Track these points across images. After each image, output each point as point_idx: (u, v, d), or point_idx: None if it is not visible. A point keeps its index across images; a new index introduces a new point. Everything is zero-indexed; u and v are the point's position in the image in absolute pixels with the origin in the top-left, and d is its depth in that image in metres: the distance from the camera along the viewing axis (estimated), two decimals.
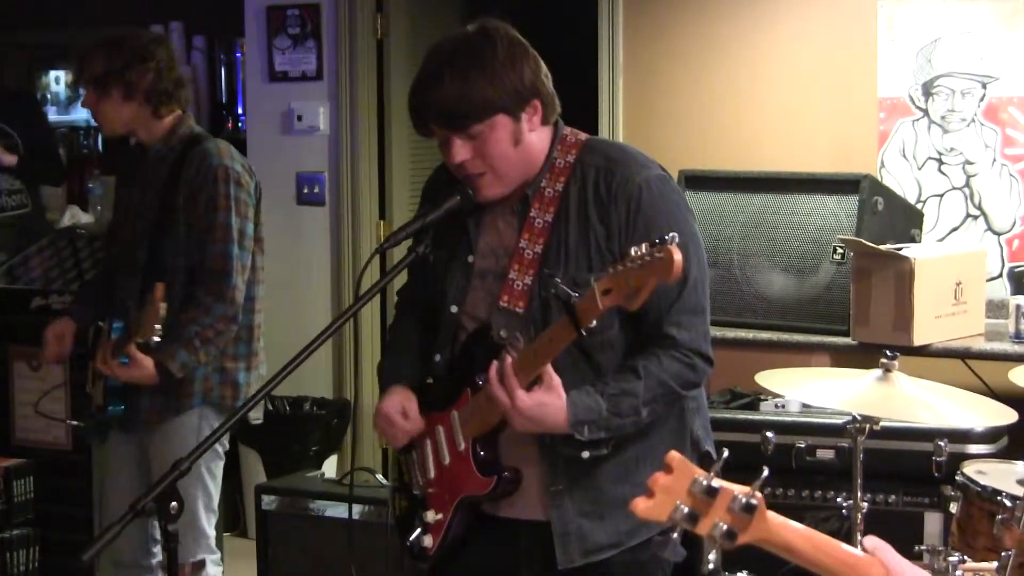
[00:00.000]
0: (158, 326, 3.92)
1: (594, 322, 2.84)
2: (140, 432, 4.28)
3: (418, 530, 3.22)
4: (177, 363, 4.09)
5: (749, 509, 2.09)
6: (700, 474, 2.10)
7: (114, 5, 7.59)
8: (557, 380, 2.94)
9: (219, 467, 4.39)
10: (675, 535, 2.14)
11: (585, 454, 3.05)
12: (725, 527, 2.11)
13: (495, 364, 2.96)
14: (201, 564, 4.29)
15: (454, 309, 3.19)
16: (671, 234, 2.69)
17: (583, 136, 3.16)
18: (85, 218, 7.24)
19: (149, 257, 4.20)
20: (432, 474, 3.22)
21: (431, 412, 3.23)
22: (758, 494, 2.09)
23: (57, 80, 8.42)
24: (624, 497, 3.09)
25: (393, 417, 3.20)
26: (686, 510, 2.11)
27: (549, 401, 2.94)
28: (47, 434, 5.46)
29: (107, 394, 4.22)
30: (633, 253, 2.73)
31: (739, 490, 2.11)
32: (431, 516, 3.20)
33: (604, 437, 3.03)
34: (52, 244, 6.01)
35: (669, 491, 2.12)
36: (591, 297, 2.80)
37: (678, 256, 2.66)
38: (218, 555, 4.42)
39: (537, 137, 3.09)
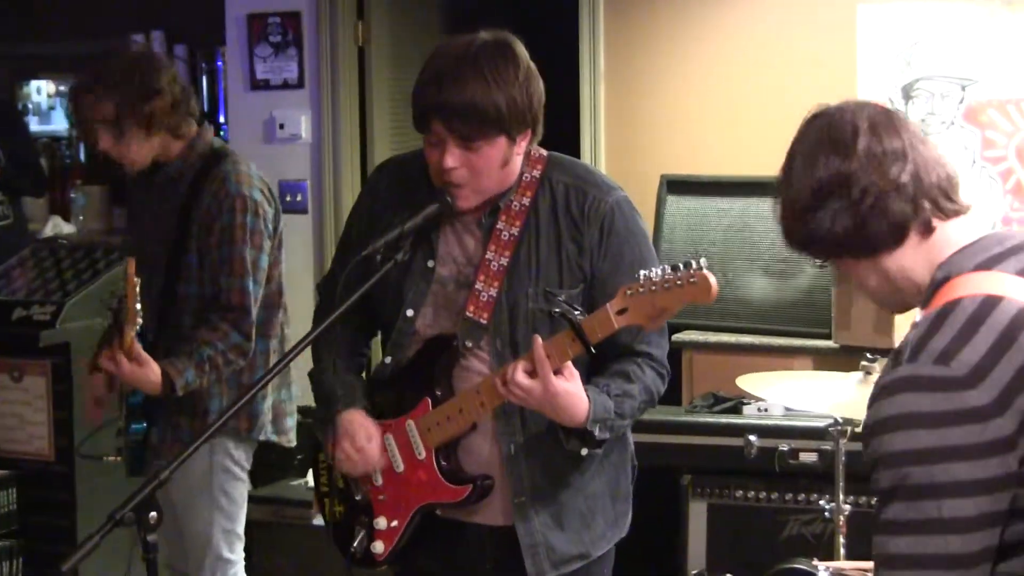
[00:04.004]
0: (138, 306, 3.77)
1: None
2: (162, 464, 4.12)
3: (361, 535, 3.22)
4: (183, 380, 3.92)
5: None
6: None
7: (96, 16, 7.58)
8: (577, 374, 2.96)
9: (239, 491, 4.23)
10: None
11: (584, 451, 3.09)
12: None
13: (537, 342, 2.92)
14: None
15: (410, 313, 3.18)
16: (701, 259, 2.80)
17: (543, 151, 3.19)
18: (67, 228, 7.23)
19: (165, 284, 4.08)
20: (380, 481, 3.21)
21: (378, 419, 3.23)
22: None
23: (39, 90, 8.38)
24: (579, 509, 3.16)
25: (361, 444, 3.17)
26: None
27: (575, 391, 2.95)
28: (29, 445, 5.44)
29: (128, 413, 4.09)
30: (652, 276, 2.82)
31: None
32: (383, 523, 3.21)
33: (606, 437, 3.06)
34: (34, 255, 5.97)
35: None
36: (603, 316, 2.89)
37: (714, 280, 2.78)
38: None
39: (518, 159, 3.11)
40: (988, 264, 2.07)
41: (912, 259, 2.14)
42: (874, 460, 2.02)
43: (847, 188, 2.13)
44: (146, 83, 4.02)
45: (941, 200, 2.15)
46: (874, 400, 2.03)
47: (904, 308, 2.21)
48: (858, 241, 2.14)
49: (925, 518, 1.95)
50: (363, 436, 3.17)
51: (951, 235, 2.15)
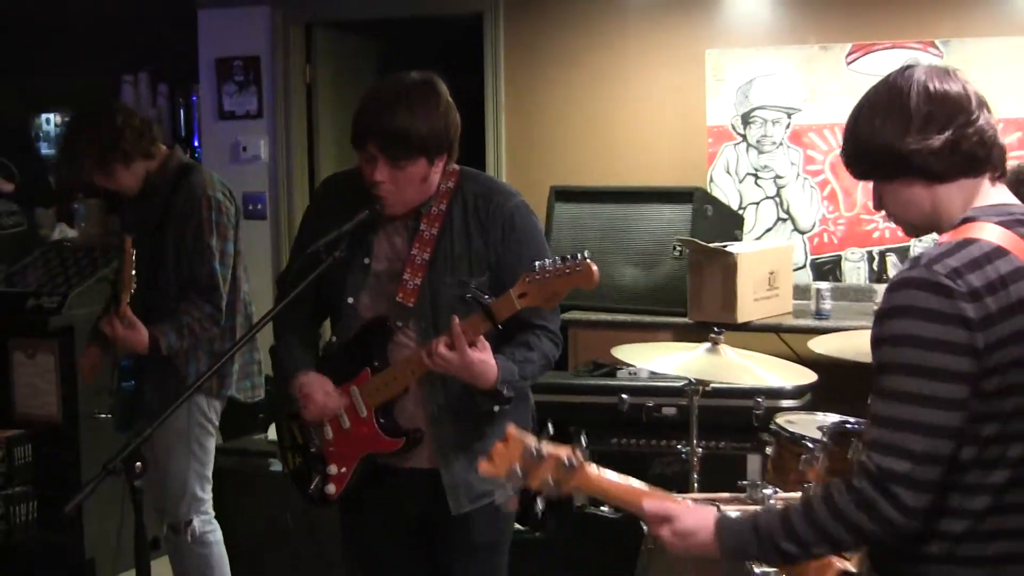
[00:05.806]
0: (133, 272, 3.79)
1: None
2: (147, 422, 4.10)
3: (316, 480, 3.22)
4: (167, 342, 3.96)
5: (571, 467, 2.34)
6: (531, 443, 2.35)
7: (95, 59, 7.46)
8: (488, 345, 2.97)
9: (209, 441, 4.24)
10: (508, 486, 2.37)
11: (496, 408, 3.07)
12: (551, 480, 2.35)
13: (455, 321, 2.92)
14: (188, 523, 4.21)
15: (350, 300, 3.17)
16: (585, 252, 2.82)
17: (456, 166, 3.18)
18: (71, 233, 7.10)
19: (148, 274, 4.05)
20: (330, 436, 3.21)
21: None
22: (578, 454, 2.34)
23: (48, 120, 8.24)
24: None
25: (317, 395, 3.17)
26: (519, 469, 2.35)
27: (487, 359, 2.95)
28: (42, 410, 5.36)
29: (120, 374, 4.12)
30: (546, 266, 2.83)
31: (563, 453, 2.33)
32: (334, 469, 3.21)
33: (512, 395, 3.06)
34: (43, 255, 5.88)
35: (505, 456, 2.37)
36: (507, 300, 2.89)
37: (595, 268, 2.80)
38: (210, 515, 4.29)
39: (435, 175, 3.10)
40: (1009, 224, 2.10)
41: (958, 194, 2.14)
42: (880, 338, 2.05)
43: (964, 120, 2.11)
44: (109, 130, 4.06)
45: (998, 161, 2.16)
46: (889, 291, 2.06)
47: (925, 232, 2.20)
48: (945, 165, 2.11)
49: (911, 391, 2.00)
50: (320, 389, 3.17)
51: (989, 189, 2.16)
